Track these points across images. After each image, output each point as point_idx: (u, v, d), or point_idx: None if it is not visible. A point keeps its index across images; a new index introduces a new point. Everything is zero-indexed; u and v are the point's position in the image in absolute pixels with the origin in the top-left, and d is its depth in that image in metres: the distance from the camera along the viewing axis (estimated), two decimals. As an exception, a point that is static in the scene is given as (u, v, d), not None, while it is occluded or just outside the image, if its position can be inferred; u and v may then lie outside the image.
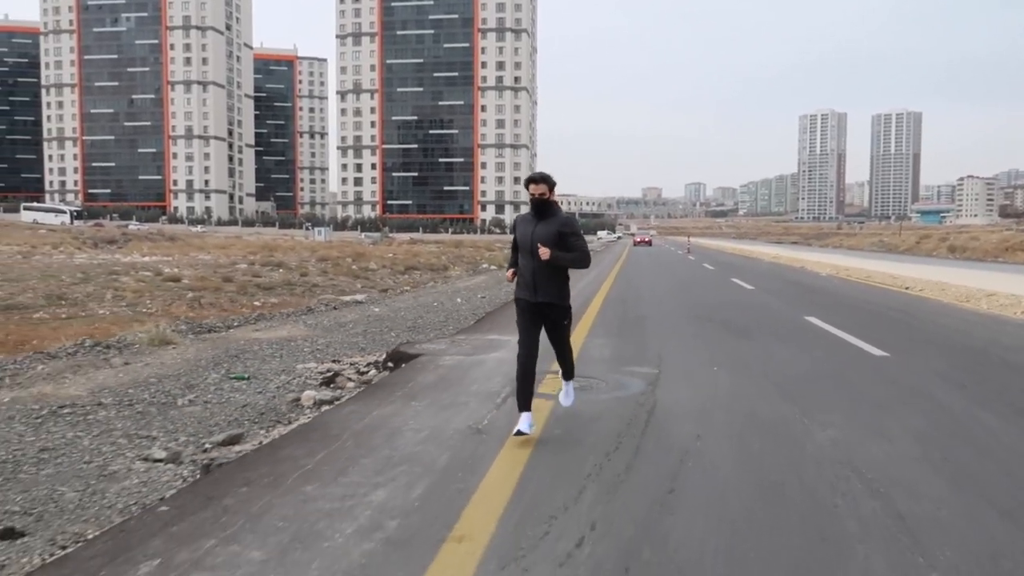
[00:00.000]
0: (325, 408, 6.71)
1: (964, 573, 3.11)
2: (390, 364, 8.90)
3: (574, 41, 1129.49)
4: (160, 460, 5.28)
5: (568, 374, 5.50)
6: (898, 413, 5.87)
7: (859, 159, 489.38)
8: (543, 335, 5.27)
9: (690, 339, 10.00)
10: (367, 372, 8.64)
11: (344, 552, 3.32)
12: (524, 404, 5.05)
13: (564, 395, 5.51)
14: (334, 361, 9.39)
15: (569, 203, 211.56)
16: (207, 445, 5.68)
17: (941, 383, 7.13)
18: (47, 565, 3.43)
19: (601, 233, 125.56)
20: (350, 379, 8.24)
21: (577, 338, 9.87)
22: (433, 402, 6.33)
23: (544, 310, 5.11)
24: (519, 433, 4.94)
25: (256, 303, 20.32)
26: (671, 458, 4.65)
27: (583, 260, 5.13)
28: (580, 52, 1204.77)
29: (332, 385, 7.99)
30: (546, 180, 5.09)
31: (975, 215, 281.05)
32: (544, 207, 5.07)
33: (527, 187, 5.10)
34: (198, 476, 4.83)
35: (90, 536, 3.77)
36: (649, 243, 73.70)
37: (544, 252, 4.90)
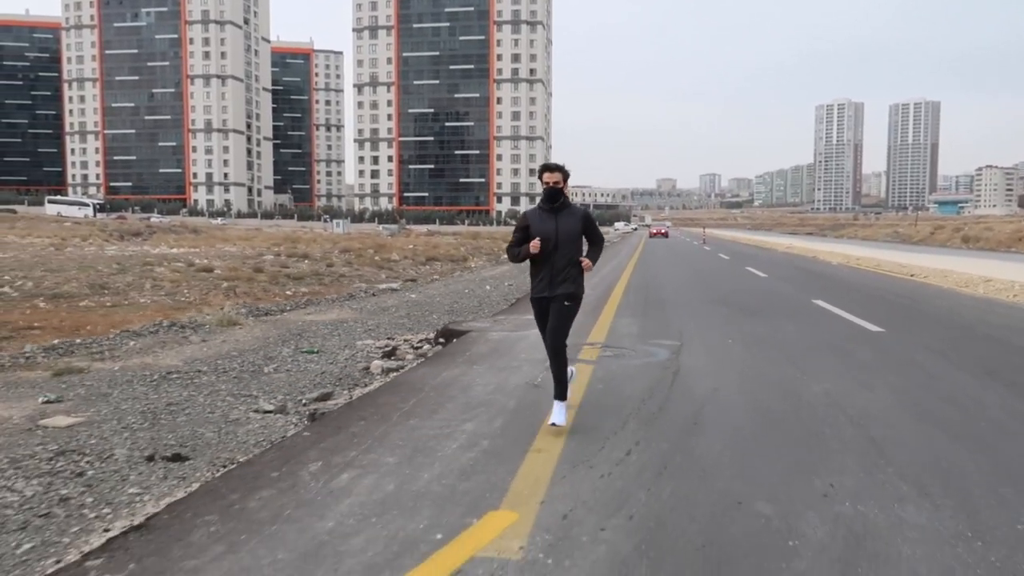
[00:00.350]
0: (393, 374, 7.88)
1: (913, 469, 4.27)
2: (441, 340, 10.08)
3: (587, 32, 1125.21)
4: (269, 411, 6.47)
5: (561, 391, 5.19)
6: (883, 374, 7.01)
7: (876, 149, 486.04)
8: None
9: (707, 318, 11.13)
10: (421, 347, 9.83)
11: (455, 458, 4.52)
12: (560, 393, 5.17)
13: (556, 413, 5.14)
14: (388, 338, 10.58)
15: (583, 195, 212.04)
16: (304, 400, 6.87)
17: (925, 352, 8.25)
18: (231, 472, 4.60)
19: (618, 224, 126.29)
20: (408, 352, 9.43)
21: (606, 318, 11.04)
22: (491, 366, 7.53)
23: (557, 300, 5.12)
24: (554, 425, 5.08)
25: (288, 292, 21.28)
26: (694, 403, 5.82)
27: (602, 247, 5.39)
28: (593, 43, 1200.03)
29: (393, 357, 9.16)
30: (561, 169, 5.09)
31: (994, 205, 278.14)
32: (558, 196, 5.05)
33: (541, 175, 5.09)
34: (306, 423, 6.00)
35: (241, 460, 4.95)
36: (666, 235, 69.83)
37: (587, 264, 5.11)
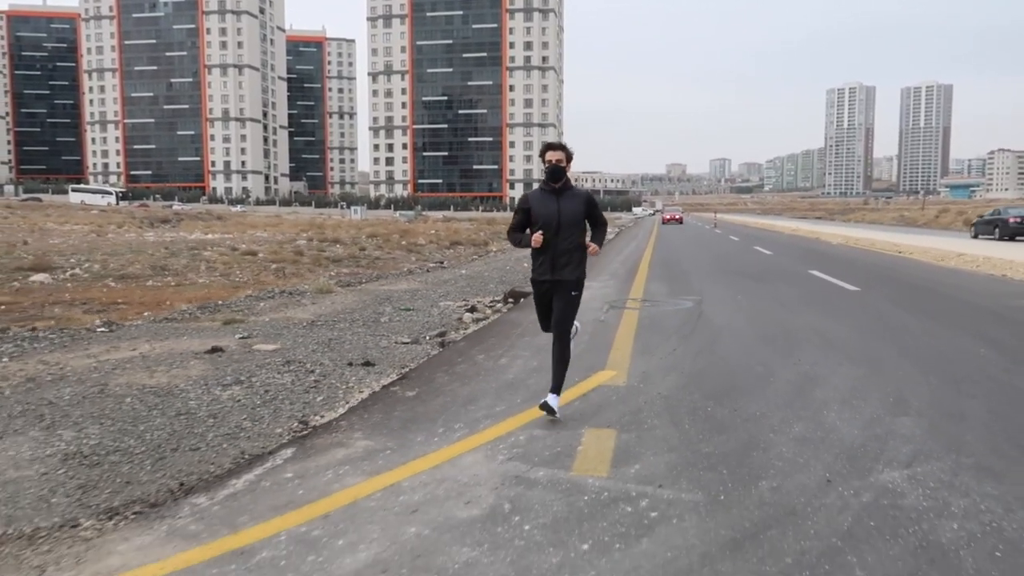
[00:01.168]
0: (483, 322, 10.55)
1: (851, 353, 6.98)
2: (511, 300, 12.78)
3: (596, 15, 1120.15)
4: (407, 342, 9.16)
5: (557, 384, 5.17)
6: (850, 314, 9.73)
7: (888, 133, 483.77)
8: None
9: (721, 283, 13.82)
10: (494, 305, 12.53)
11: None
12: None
13: (551, 401, 5.10)
14: (464, 300, 13.28)
15: (594, 180, 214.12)
16: (427, 336, 9.58)
17: (885, 302, 10.96)
18: (415, 368, 7.32)
19: (636, 209, 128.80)
20: (486, 309, 12.14)
21: (639, 283, 13.74)
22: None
23: (558, 285, 5.11)
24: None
25: (331, 273, 22.97)
26: (713, 329, 8.55)
27: (606, 229, 5.38)
28: (601, 27, 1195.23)
29: (475, 312, 11.85)
30: (564, 149, 5.04)
31: (1006, 189, 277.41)
32: (561, 175, 5.01)
33: (543, 155, 5.04)
34: (439, 348, 8.69)
35: (412, 366, 7.66)
36: (680, 221, 65.98)
37: (593, 249, 5.07)
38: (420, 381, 6.34)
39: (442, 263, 25.81)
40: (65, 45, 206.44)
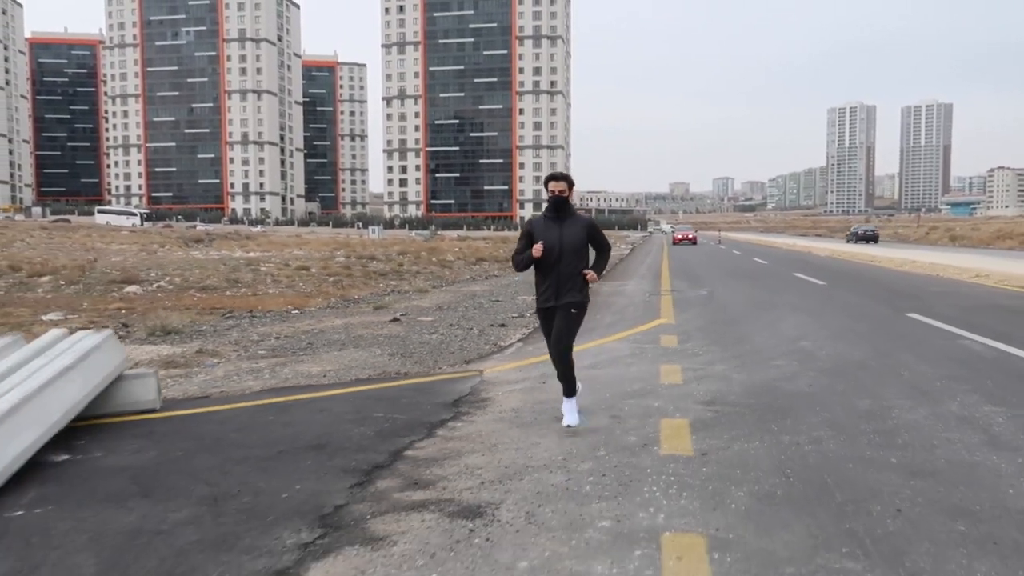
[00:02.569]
0: (559, 306, 15.31)
1: (807, 313, 11.76)
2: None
3: (599, 34, 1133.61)
4: (515, 316, 13.93)
5: (569, 388, 5.22)
6: (812, 295, 14.56)
7: (889, 151, 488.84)
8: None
9: (725, 281, 18.59)
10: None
11: (633, 312, 12.14)
12: (569, 389, 5.24)
13: (568, 414, 5.17)
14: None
15: (599, 200, 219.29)
16: (527, 313, 14.32)
17: (839, 289, 15.75)
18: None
19: (651, 227, 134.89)
20: (556, 299, 16.92)
21: (665, 282, 18.49)
22: (620, 295, 15.05)
23: (563, 308, 5.15)
24: (569, 426, 5.11)
25: (381, 285, 26.11)
26: (721, 303, 13.38)
27: (609, 256, 5.45)
28: (605, 47, 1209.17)
29: (549, 301, 16.61)
30: (566, 179, 5.13)
31: (1006, 206, 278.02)
32: (564, 205, 5.11)
33: (546, 185, 5.14)
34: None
35: (531, 327, 12.39)
36: (693, 241, 57.37)
37: (591, 276, 5.09)
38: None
39: (495, 274, 30.53)
40: (85, 71, 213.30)
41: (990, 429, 4.90)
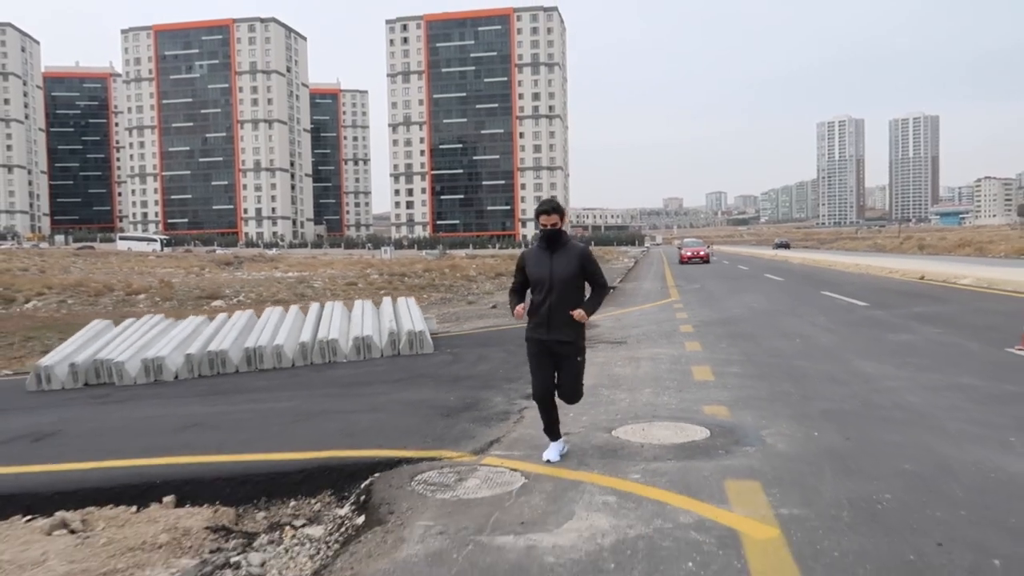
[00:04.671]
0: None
1: (764, 294, 18.95)
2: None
3: (591, 54, 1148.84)
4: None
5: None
6: (773, 286, 21.83)
7: (878, 163, 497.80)
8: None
9: (713, 280, 25.85)
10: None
11: (650, 294, 19.28)
12: (553, 434, 5.08)
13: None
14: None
15: (595, 216, 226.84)
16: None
17: (793, 283, 22.99)
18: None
19: (647, 243, 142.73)
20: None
21: (671, 281, 25.66)
22: (642, 289, 22.23)
23: (557, 347, 4.90)
24: (548, 462, 4.93)
25: (426, 296, 31.26)
26: (709, 290, 20.73)
27: (605, 294, 5.11)
28: (598, 66, 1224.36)
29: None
30: (557, 210, 4.89)
31: (993, 215, 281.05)
32: (556, 237, 4.90)
33: (537, 218, 4.89)
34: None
35: None
36: (705, 259, 45.62)
37: (579, 315, 4.81)
38: (610, 301, 18.29)
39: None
40: (97, 103, 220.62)
41: (822, 325, 12.09)
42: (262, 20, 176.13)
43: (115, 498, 5.02)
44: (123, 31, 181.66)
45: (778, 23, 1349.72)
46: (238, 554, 4.13)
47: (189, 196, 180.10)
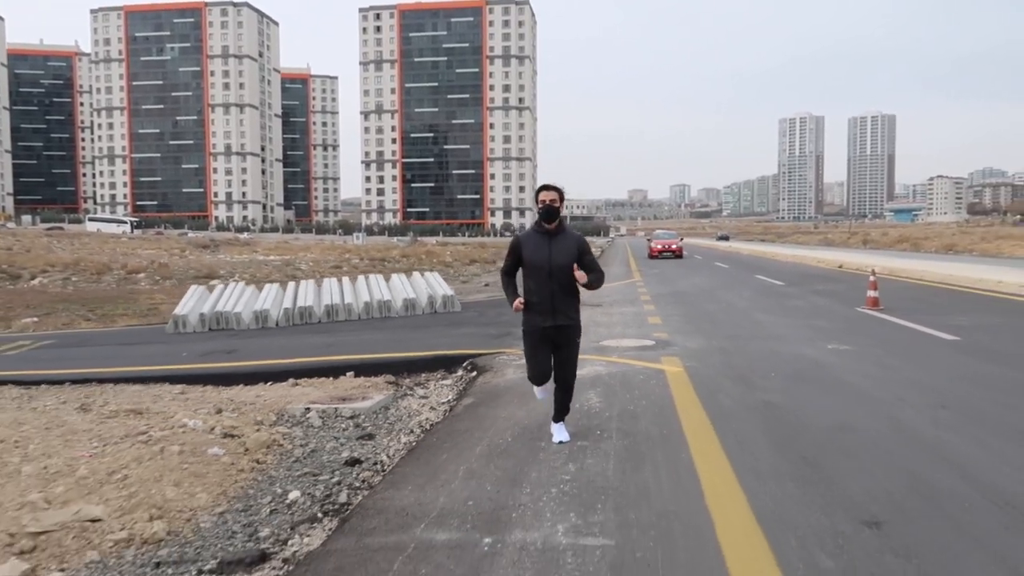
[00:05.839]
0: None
1: (714, 278, 23.16)
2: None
3: (560, 49, 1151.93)
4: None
5: (562, 411, 5.26)
6: (719, 272, 26.07)
7: (837, 160, 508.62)
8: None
9: (671, 267, 30.06)
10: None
11: (620, 274, 23.37)
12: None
13: (558, 431, 5.20)
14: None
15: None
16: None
17: (737, 270, 27.27)
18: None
19: (612, 234, 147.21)
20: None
21: (634, 267, 29.77)
22: (611, 272, 26.40)
23: (558, 333, 5.02)
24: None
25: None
26: (668, 274, 24.87)
27: (602, 279, 5.16)
28: (566, 58, 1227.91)
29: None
30: (557, 189, 4.98)
31: (944, 212, 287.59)
32: (555, 215, 4.93)
33: (537, 196, 4.97)
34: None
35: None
36: (678, 253, 39.85)
37: (581, 276, 4.88)
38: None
39: (494, 269, 41.30)
40: (61, 82, 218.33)
41: (745, 297, 16.24)
42: (235, 4, 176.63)
43: (315, 374, 8.87)
44: (92, 11, 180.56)
45: (744, 25, 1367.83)
46: (409, 391, 8.04)
47: (159, 179, 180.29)
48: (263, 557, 3.89)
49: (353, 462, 5.49)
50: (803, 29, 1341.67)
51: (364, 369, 8.82)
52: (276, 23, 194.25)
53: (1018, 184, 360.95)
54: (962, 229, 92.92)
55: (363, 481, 5.05)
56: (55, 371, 9.43)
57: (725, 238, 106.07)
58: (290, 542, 4.05)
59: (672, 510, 3.80)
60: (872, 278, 13.50)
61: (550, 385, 5.25)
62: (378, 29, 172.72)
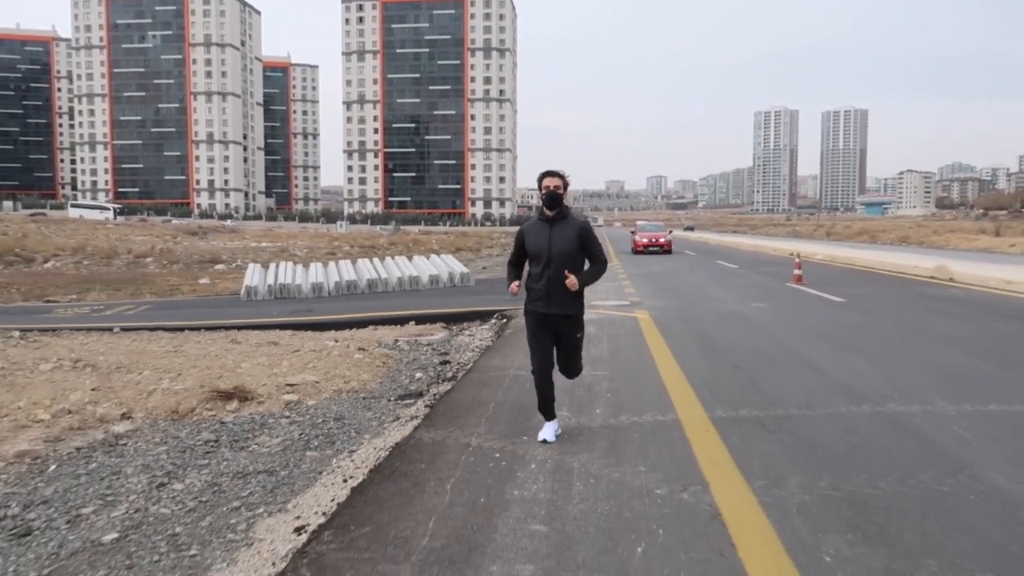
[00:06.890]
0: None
1: (686, 265, 26.78)
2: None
3: (540, 41, 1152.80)
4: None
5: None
6: (688, 259, 29.79)
7: (811, 153, 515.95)
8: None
9: (645, 255, 33.52)
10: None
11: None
12: (548, 413, 5.18)
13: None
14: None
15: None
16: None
17: (704, 257, 31.03)
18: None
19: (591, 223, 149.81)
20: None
21: (611, 252, 33.39)
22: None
23: (556, 321, 4.95)
24: (544, 441, 5.04)
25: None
26: (643, 261, 28.50)
27: (603, 270, 5.07)
28: (545, 51, 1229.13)
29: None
30: (560, 176, 4.89)
31: (914, 206, 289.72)
32: (558, 201, 4.87)
33: (540, 182, 4.88)
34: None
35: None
36: (667, 247, 35.99)
37: (571, 283, 4.79)
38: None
39: (484, 256, 44.78)
40: (39, 67, 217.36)
41: (703, 276, 19.95)
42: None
43: (387, 323, 12.32)
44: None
45: (721, 19, 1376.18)
46: (459, 332, 11.53)
47: (140, 166, 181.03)
48: (420, 394, 7.37)
49: (444, 362, 8.98)
50: (781, 25, 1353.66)
51: (422, 319, 12.30)
52: (258, 12, 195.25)
53: (985, 179, 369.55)
54: (918, 223, 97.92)
55: (457, 366, 8.57)
56: (193, 322, 12.74)
57: (691, 228, 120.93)
58: (431, 389, 7.54)
59: (637, 368, 7.37)
60: (797, 259, 17.21)
61: (558, 428, 5.25)
62: (360, 20, 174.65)
